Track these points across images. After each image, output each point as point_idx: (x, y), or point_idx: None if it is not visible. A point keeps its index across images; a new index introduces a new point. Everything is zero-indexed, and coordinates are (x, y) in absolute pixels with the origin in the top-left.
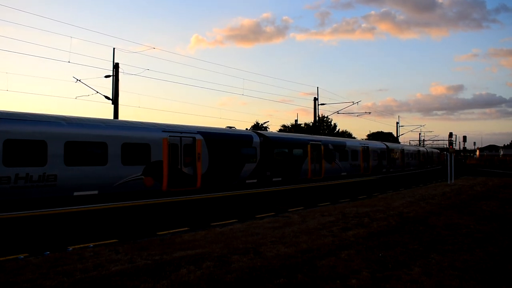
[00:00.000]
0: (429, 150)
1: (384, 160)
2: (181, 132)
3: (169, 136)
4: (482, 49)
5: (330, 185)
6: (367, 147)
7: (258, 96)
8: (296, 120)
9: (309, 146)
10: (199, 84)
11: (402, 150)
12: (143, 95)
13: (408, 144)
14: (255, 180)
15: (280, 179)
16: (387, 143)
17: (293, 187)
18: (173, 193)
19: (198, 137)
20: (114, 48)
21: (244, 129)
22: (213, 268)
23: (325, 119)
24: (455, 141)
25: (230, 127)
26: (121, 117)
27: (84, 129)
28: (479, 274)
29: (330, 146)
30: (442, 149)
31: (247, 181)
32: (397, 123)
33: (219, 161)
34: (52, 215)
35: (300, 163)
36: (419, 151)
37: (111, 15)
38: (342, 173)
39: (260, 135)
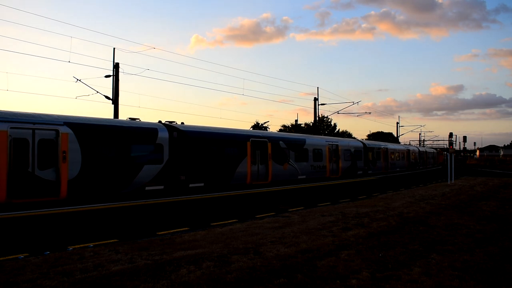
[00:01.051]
0: (421, 149)
1: (361, 161)
2: (34, 123)
3: (11, 128)
4: (482, 50)
5: (280, 191)
6: (336, 145)
7: (258, 96)
8: (296, 120)
9: (248, 143)
10: (199, 84)
11: (385, 150)
12: (143, 95)
13: (408, 144)
14: (160, 187)
15: (201, 184)
16: (366, 141)
17: (219, 195)
18: (22, 206)
19: (64, 129)
20: (114, 48)
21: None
22: (213, 268)
23: (325, 119)
24: (455, 141)
25: (133, 119)
26: (121, 117)
27: None
28: (479, 274)
29: (282, 144)
30: (442, 149)
31: (147, 188)
32: (397, 123)
33: (99, 163)
34: (52, 215)
35: (234, 164)
36: (408, 150)
37: (111, 15)
38: (299, 177)
39: (171, 128)
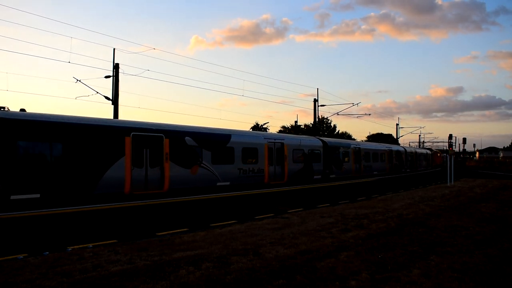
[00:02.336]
0: (409, 150)
1: (319, 163)
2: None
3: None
4: (481, 51)
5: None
6: (281, 143)
7: (257, 97)
8: (295, 121)
9: (128, 139)
10: (198, 85)
11: (357, 149)
12: (143, 95)
13: (407, 145)
14: None
15: (35, 196)
16: (328, 139)
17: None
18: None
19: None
20: (114, 49)
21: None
22: (212, 269)
23: (324, 120)
24: (455, 143)
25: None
26: (121, 117)
27: None
28: (478, 276)
29: (190, 141)
30: (441, 151)
31: None
32: (397, 124)
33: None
34: (52, 215)
35: (99, 167)
36: (390, 151)
37: (111, 15)
38: (220, 183)
39: None
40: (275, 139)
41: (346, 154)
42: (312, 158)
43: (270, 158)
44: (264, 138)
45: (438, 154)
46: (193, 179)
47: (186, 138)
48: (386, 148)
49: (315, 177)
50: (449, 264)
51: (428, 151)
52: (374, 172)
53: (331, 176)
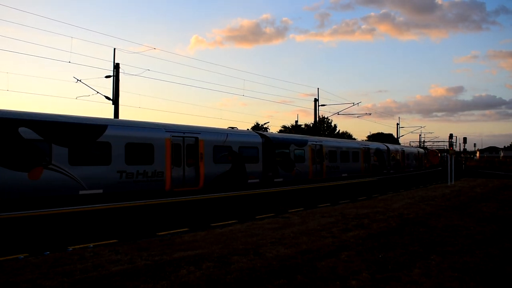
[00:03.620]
0: (393, 148)
1: (256, 164)
2: (184, 133)
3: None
4: (481, 51)
5: None
6: (195, 138)
7: (258, 97)
8: (296, 121)
9: None
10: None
11: (317, 147)
12: (144, 95)
13: (407, 145)
14: None
15: None
16: (272, 134)
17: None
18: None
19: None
20: (114, 49)
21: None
22: (213, 269)
23: (325, 120)
24: (456, 142)
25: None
26: (122, 117)
27: None
28: (479, 276)
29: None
30: (440, 150)
31: None
32: (397, 124)
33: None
34: (52, 215)
35: None
36: (367, 149)
37: (112, 15)
38: (81, 192)
39: None
40: (184, 133)
41: (301, 153)
42: (246, 157)
43: (176, 157)
44: (166, 131)
45: (435, 154)
46: (33, 186)
47: (21, 128)
48: (361, 146)
49: (250, 181)
50: (450, 263)
51: (421, 150)
52: (343, 174)
53: (276, 180)
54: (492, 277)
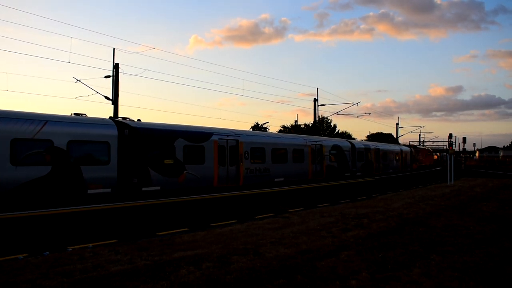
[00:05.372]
0: (361, 146)
1: (106, 166)
2: (228, 135)
3: (219, 139)
4: (480, 51)
5: None
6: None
7: (257, 96)
8: (296, 121)
9: None
10: (198, 85)
11: (222, 143)
12: (143, 95)
13: (407, 144)
14: None
15: None
16: (135, 122)
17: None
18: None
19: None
20: (114, 49)
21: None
22: (212, 269)
23: (325, 119)
24: (455, 142)
25: None
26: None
27: None
28: (479, 275)
29: None
30: (441, 150)
31: None
32: (397, 124)
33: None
34: (52, 215)
35: None
36: (320, 146)
37: (111, 15)
38: None
39: None
40: (228, 136)
41: (199, 151)
42: (86, 158)
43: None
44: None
45: (428, 153)
46: None
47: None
48: (308, 143)
49: (90, 191)
50: (450, 263)
51: (406, 148)
52: (278, 179)
53: (146, 188)
54: (492, 277)
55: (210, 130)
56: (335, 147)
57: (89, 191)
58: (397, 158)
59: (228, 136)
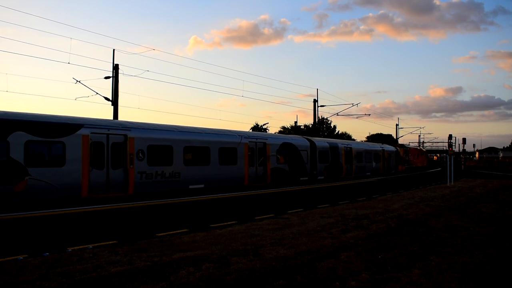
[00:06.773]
0: (325, 143)
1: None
2: (257, 138)
3: (250, 142)
4: (480, 52)
5: None
6: None
7: (256, 97)
8: (295, 122)
9: None
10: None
11: (96, 138)
12: (143, 96)
13: (407, 144)
14: None
15: None
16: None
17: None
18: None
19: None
20: (114, 50)
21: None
22: (212, 270)
23: (324, 120)
24: (455, 143)
25: None
26: (121, 118)
27: None
28: (478, 276)
29: None
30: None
31: None
32: (397, 125)
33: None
34: (51, 216)
35: None
36: (262, 144)
37: (111, 16)
38: None
39: None
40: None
41: (43, 150)
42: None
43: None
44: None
45: (421, 153)
46: None
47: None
48: (243, 140)
49: None
50: (449, 264)
51: (390, 148)
52: (194, 186)
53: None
54: (491, 278)
55: (78, 121)
56: (286, 145)
57: None
58: (378, 159)
59: (109, 129)
